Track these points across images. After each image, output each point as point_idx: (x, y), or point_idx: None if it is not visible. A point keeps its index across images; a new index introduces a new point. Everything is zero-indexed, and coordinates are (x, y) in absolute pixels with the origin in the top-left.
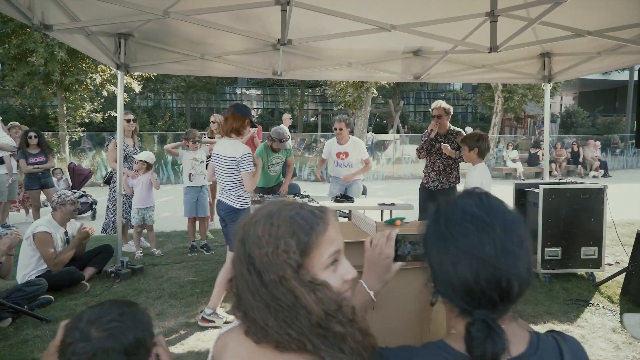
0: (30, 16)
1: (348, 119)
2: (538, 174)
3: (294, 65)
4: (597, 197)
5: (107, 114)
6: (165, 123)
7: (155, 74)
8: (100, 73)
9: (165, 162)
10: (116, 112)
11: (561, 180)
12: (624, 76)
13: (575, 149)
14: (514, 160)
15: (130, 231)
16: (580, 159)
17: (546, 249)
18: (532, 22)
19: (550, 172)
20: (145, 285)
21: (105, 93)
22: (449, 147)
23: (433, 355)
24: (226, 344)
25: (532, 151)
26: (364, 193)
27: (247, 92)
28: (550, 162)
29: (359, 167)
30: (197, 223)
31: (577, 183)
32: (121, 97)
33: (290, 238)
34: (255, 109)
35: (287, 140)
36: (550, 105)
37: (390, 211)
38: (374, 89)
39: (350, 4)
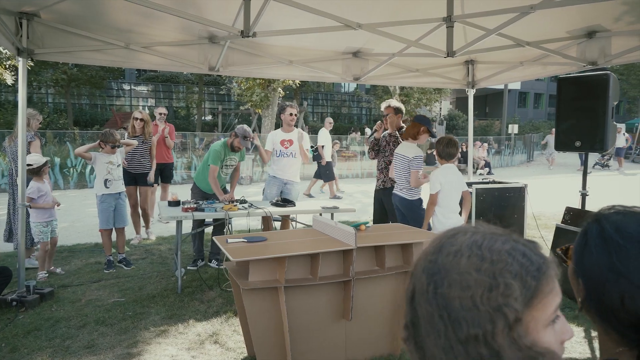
0: None
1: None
2: None
3: (232, 61)
4: (519, 194)
5: None
6: (44, 121)
7: (32, 64)
8: None
9: (52, 164)
10: None
11: (485, 180)
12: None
13: (464, 149)
14: None
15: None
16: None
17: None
18: (490, 32)
19: None
20: (61, 313)
21: None
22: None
23: None
24: None
25: (429, 151)
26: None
27: (136, 88)
28: None
29: (300, 159)
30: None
31: (500, 183)
32: (23, 90)
33: (512, 279)
34: (142, 107)
35: (251, 139)
36: (431, 108)
37: (332, 214)
38: (281, 89)
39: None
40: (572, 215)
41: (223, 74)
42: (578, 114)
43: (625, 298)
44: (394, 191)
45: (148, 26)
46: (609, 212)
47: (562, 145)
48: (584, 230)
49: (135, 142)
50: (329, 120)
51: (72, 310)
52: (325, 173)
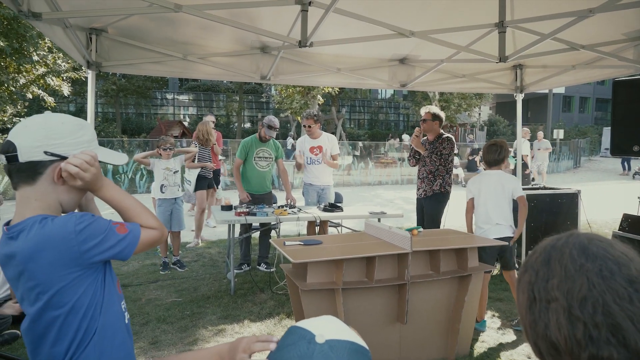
0: (19, 2)
1: (316, 114)
2: None
3: (282, 69)
4: (572, 201)
5: None
6: (96, 129)
7: (84, 77)
8: (24, 74)
9: (105, 170)
10: None
11: (535, 186)
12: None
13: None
14: (455, 167)
15: None
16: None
17: (530, 252)
18: (545, 37)
19: None
20: None
21: (29, 95)
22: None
23: None
24: None
25: (470, 157)
26: (340, 201)
27: (179, 97)
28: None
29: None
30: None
31: (552, 188)
32: (92, 100)
33: None
34: (183, 115)
35: (276, 129)
36: (469, 114)
37: (379, 219)
38: (320, 96)
39: (363, 8)
40: (631, 222)
41: (274, 83)
42: (634, 118)
43: None
44: None
45: (204, 38)
46: None
47: (618, 150)
48: None
49: (195, 149)
50: (526, 130)
51: (134, 309)
52: (523, 180)
